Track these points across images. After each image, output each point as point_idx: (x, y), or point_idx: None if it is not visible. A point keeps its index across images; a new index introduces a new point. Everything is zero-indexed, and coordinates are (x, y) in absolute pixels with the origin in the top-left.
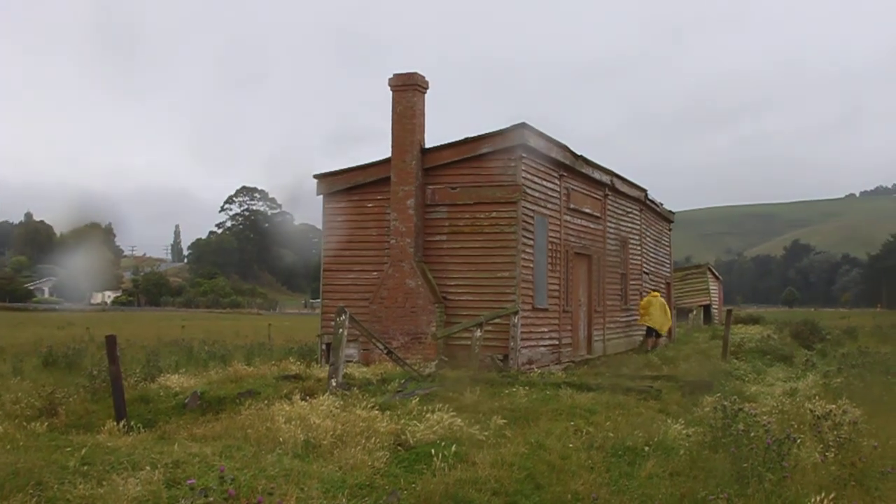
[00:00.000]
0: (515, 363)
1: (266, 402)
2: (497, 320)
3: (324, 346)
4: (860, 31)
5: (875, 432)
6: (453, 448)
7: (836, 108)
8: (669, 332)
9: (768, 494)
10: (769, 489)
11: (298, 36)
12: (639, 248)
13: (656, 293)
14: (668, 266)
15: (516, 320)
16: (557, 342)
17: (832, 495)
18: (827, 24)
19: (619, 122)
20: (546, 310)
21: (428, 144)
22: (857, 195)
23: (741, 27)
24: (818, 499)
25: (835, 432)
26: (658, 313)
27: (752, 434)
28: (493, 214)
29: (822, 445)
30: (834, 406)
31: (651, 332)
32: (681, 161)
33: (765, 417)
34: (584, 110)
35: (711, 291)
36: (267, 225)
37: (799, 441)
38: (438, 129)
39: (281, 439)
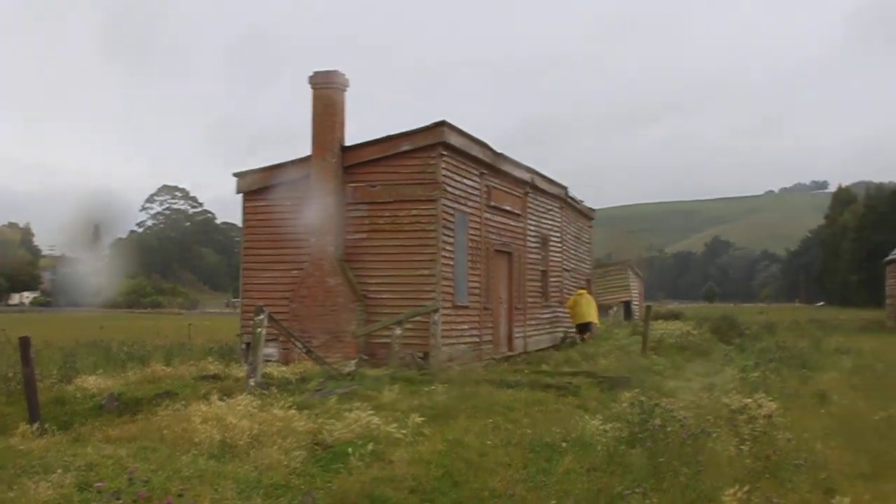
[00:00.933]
0: (436, 361)
1: (183, 402)
2: (417, 318)
3: (244, 346)
4: (785, 36)
5: (790, 425)
6: (370, 446)
7: (758, 108)
8: (588, 328)
9: (684, 488)
10: (685, 483)
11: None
12: (559, 245)
13: (582, 290)
14: (588, 263)
15: (437, 318)
16: (478, 339)
17: (746, 488)
18: (754, 28)
19: (543, 120)
20: (467, 307)
21: (350, 142)
22: (777, 192)
23: (671, 29)
24: (732, 491)
25: (750, 426)
26: (586, 308)
27: (669, 429)
28: (414, 212)
29: (737, 439)
30: (750, 400)
31: (583, 329)
32: (605, 159)
33: (682, 412)
34: (510, 109)
35: (632, 288)
36: (188, 224)
37: (715, 435)
38: (364, 127)
39: (197, 440)
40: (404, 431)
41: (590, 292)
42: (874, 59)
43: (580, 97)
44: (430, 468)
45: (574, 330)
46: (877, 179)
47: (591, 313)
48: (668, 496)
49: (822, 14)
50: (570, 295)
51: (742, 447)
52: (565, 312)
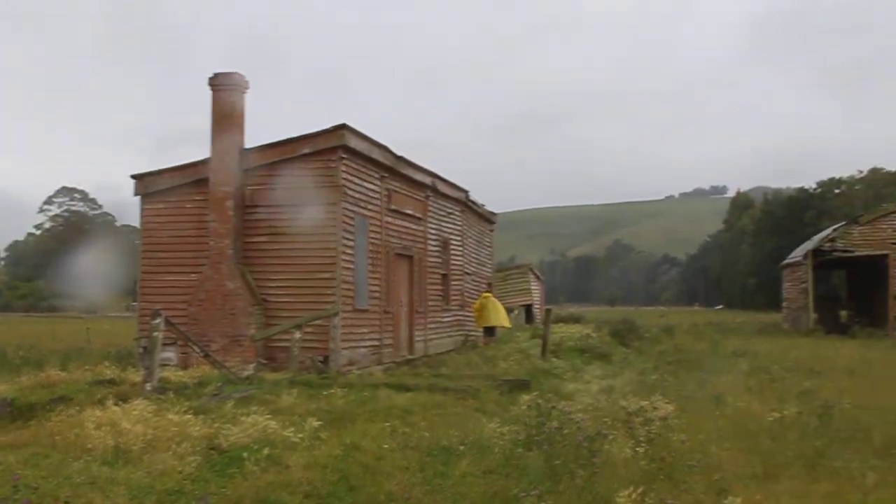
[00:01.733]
0: (336, 364)
1: (78, 408)
2: (317, 322)
3: (141, 350)
4: (688, 45)
5: (686, 427)
6: (266, 451)
7: (659, 115)
8: (493, 331)
9: (580, 490)
10: (580, 485)
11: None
12: (461, 248)
13: (487, 294)
14: (489, 266)
15: (336, 322)
16: (378, 343)
17: (640, 489)
18: (658, 37)
19: (450, 125)
20: (367, 311)
21: (250, 145)
22: (677, 197)
23: (576, 36)
24: (627, 493)
25: (646, 428)
26: (493, 312)
27: (566, 431)
28: (314, 215)
29: (633, 441)
30: (647, 403)
31: (489, 332)
32: (509, 164)
33: (579, 415)
34: (417, 114)
35: (533, 291)
36: (88, 226)
37: (611, 437)
38: (267, 129)
39: (90, 446)
40: (301, 436)
41: (489, 292)
42: (772, 69)
43: (484, 102)
44: (326, 472)
45: (478, 333)
46: (774, 185)
47: (497, 317)
48: (564, 498)
49: (723, 24)
50: (471, 298)
51: (638, 449)
52: (466, 315)
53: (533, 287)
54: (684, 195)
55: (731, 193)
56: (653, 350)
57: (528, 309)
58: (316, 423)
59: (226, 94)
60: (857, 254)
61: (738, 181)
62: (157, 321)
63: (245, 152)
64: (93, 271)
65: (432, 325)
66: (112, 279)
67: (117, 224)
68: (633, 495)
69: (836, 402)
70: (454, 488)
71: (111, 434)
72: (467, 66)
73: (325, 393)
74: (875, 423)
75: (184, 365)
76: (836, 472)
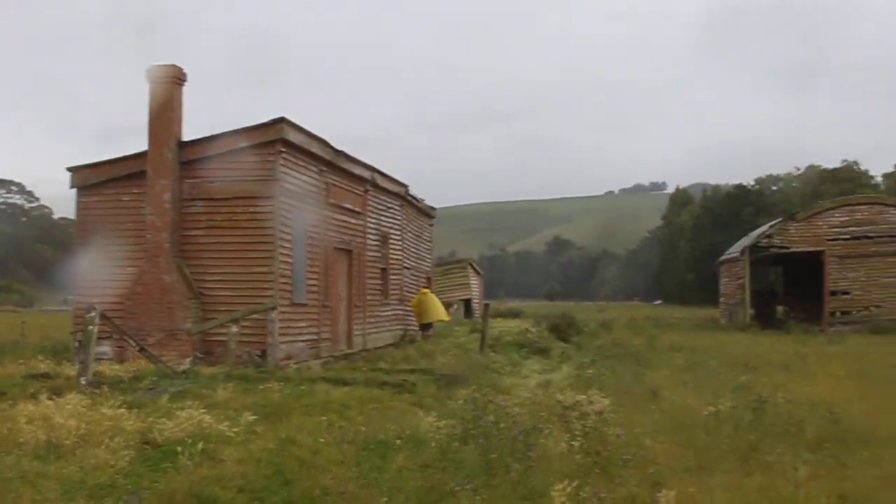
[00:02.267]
0: (273, 358)
1: (11, 402)
2: (255, 316)
3: (77, 344)
4: (630, 42)
5: (622, 421)
6: (200, 445)
7: (599, 112)
8: (430, 326)
9: (515, 484)
10: (515, 479)
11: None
12: (400, 243)
13: (426, 290)
14: (429, 261)
15: (274, 316)
16: (317, 337)
17: (575, 483)
18: (600, 34)
19: (391, 120)
20: (305, 305)
21: (189, 138)
22: (617, 192)
23: (517, 32)
24: (562, 487)
25: (582, 422)
26: (432, 308)
27: (502, 425)
28: (252, 209)
29: (569, 435)
30: (583, 397)
31: (426, 327)
32: (450, 159)
33: (516, 409)
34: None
35: (472, 286)
36: (24, 219)
37: (547, 431)
38: (207, 122)
39: (22, 440)
40: (236, 430)
41: (430, 290)
42: (714, 67)
43: (425, 98)
44: (260, 466)
45: (417, 327)
46: (713, 181)
47: (435, 312)
48: (500, 492)
49: (666, 23)
50: (411, 293)
51: (573, 443)
52: (405, 310)
53: (472, 282)
54: (624, 191)
55: (670, 189)
56: (591, 345)
57: (468, 303)
58: (251, 418)
59: (163, 87)
60: (793, 250)
61: (678, 177)
62: (92, 315)
63: (183, 145)
64: (29, 264)
65: (371, 320)
66: (48, 272)
67: (55, 217)
68: (568, 489)
69: (770, 397)
70: (390, 482)
71: (44, 428)
72: (408, 61)
73: (261, 387)
74: (808, 418)
75: (120, 359)
76: (769, 466)
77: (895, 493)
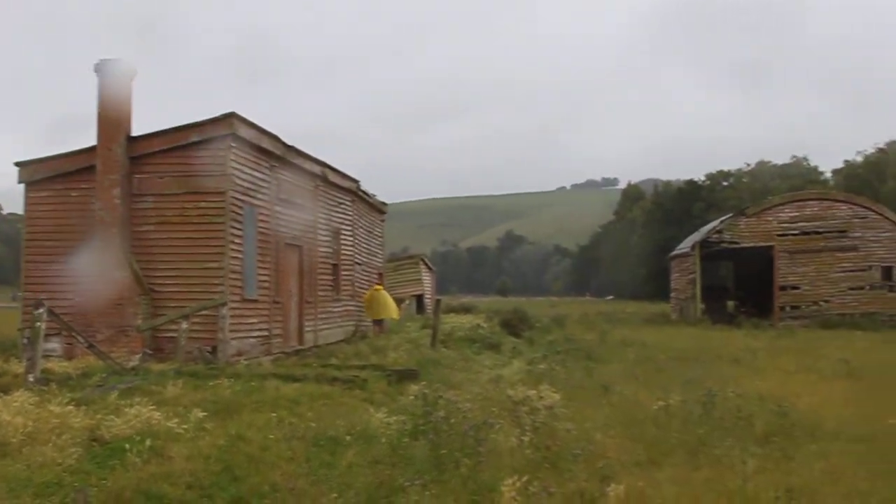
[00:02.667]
0: (224, 355)
1: None
2: (205, 312)
3: (25, 340)
4: (583, 40)
5: (572, 416)
6: (149, 442)
7: (554, 107)
8: (382, 321)
9: (464, 479)
10: (465, 474)
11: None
12: (351, 238)
13: (378, 286)
14: (380, 257)
15: (224, 312)
16: (268, 333)
17: (525, 478)
18: (555, 31)
19: (344, 115)
20: (256, 301)
21: (138, 132)
22: (568, 188)
23: (470, 30)
24: (511, 482)
25: (532, 417)
26: (383, 304)
27: (452, 421)
28: (202, 205)
29: (519, 430)
30: (534, 392)
31: (378, 323)
32: (401, 155)
33: (467, 404)
34: (311, 104)
35: (424, 281)
36: None
37: (497, 426)
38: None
39: None
40: (185, 427)
41: (381, 285)
42: (668, 64)
43: (377, 95)
44: (209, 463)
45: (368, 323)
46: (664, 177)
47: (385, 309)
48: (449, 487)
49: (619, 20)
50: (362, 289)
51: (523, 438)
52: (357, 306)
53: (424, 277)
54: (576, 186)
55: (622, 185)
56: (543, 340)
57: (420, 299)
58: (201, 414)
59: (112, 81)
60: (743, 245)
61: (630, 173)
62: (40, 311)
63: (132, 140)
64: None
65: (322, 316)
66: None
67: (3, 212)
68: (517, 484)
69: (719, 391)
70: (340, 478)
71: None
72: (363, 55)
73: (211, 383)
74: (757, 412)
75: (68, 356)
76: (718, 459)
77: (841, 486)
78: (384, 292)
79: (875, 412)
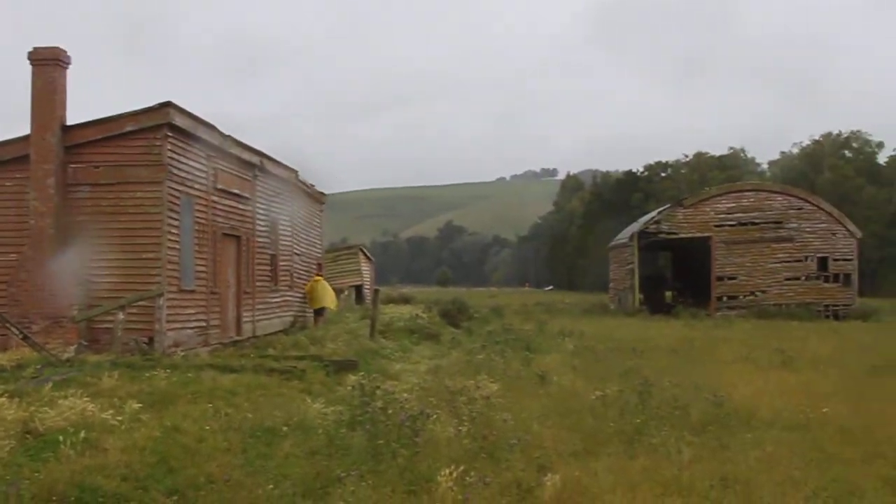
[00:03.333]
0: (161, 346)
1: None
2: (142, 302)
3: None
4: (520, 32)
5: (509, 406)
6: (83, 434)
7: (494, 99)
8: (323, 311)
9: (401, 469)
10: (402, 464)
11: None
12: (289, 229)
13: (319, 277)
14: (319, 247)
15: (161, 302)
16: (205, 324)
17: (461, 468)
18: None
19: (287, 106)
20: (193, 291)
21: (73, 121)
22: (508, 179)
23: (413, 22)
24: (448, 472)
25: (469, 407)
26: (322, 294)
27: (390, 411)
28: (138, 195)
29: (456, 420)
30: (471, 382)
31: (319, 313)
32: (340, 146)
33: (405, 395)
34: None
35: (363, 272)
36: None
37: (434, 417)
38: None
39: None
40: (121, 418)
41: (320, 275)
42: (609, 56)
43: (317, 84)
44: (144, 455)
45: (306, 314)
46: (603, 168)
47: (325, 299)
48: (386, 477)
49: (559, 13)
50: (300, 279)
51: (461, 428)
52: (295, 296)
53: (363, 268)
54: (515, 177)
55: (561, 176)
56: (482, 330)
57: (359, 290)
58: (136, 406)
59: (46, 70)
60: (681, 236)
61: (569, 164)
62: None
63: (67, 129)
64: None
65: (260, 306)
66: None
67: None
68: (454, 474)
69: (656, 381)
70: (276, 469)
71: None
72: (303, 45)
73: (147, 375)
74: (692, 401)
75: (2, 347)
76: (654, 449)
77: (775, 475)
78: (323, 282)
79: (809, 401)
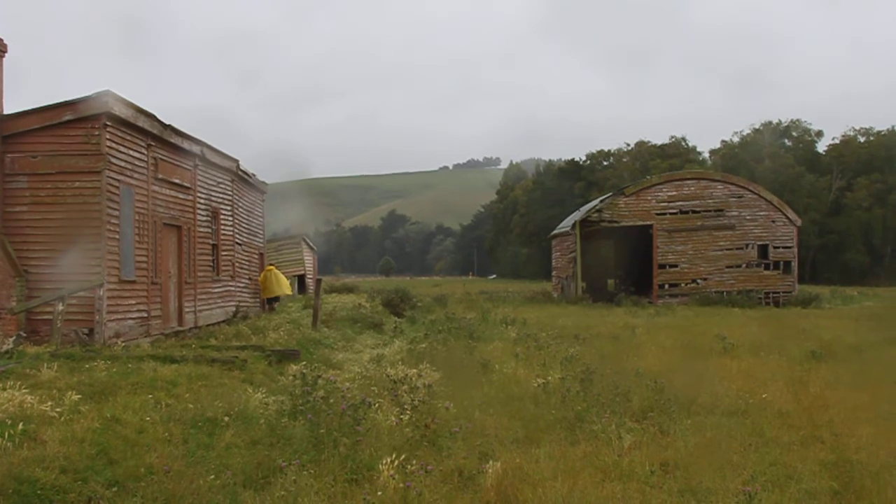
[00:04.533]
0: (101, 337)
1: None
2: (82, 293)
3: None
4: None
5: (452, 394)
6: (21, 426)
7: (436, 88)
8: (277, 299)
9: (343, 458)
10: (344, 453)
11: None
12: (231, 218)
13: (271, 267)
14: (261, 236)
15: (102, 293)
16: (146, 314)
17: (403, 456)
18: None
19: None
20: (134, 282)
21: (11, 110)
22: (451, 167)
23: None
24: (389, 460)
25: (411, 396)
26: (276, 282)
27: (332, 400)
28: (77, 184)
29: (398, 409)
30: (414, 371)
31: (271, 301)
32: (287, 134)
33: (346, 384)
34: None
35: (306, 261)
36: None
37: (376, 406)
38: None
39: None
40: (60, 410)
41: (261, 267)
42: (547, 47)
43: (260, 74)
44: (84, 447)
45: (248, 304)
46: (546, 157)
47: (279, 287)
48: (328, 466)
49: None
50: (243, 269)
51: (402, 417)
52: (238, 286)
53: (306, 257)
54: (458, 166)
55: (504, 165)
56: (425, 319)
57: (301, 279)
58: (76, 397)
59: None
60: (623, 224)
61: (512, 153)
62: None
63: (4, 119)
64: None
65: (202, 297)
66: None
67: None
68: (396, 462)
69: (598, 368)
70: (217, 459)
71: None
72: (247, 34)
73: (87, 366)
74: (634, 388)
75: None
76: (595, 435)
77: (713, 460)
78: (276, 271)
79: (749, 387)
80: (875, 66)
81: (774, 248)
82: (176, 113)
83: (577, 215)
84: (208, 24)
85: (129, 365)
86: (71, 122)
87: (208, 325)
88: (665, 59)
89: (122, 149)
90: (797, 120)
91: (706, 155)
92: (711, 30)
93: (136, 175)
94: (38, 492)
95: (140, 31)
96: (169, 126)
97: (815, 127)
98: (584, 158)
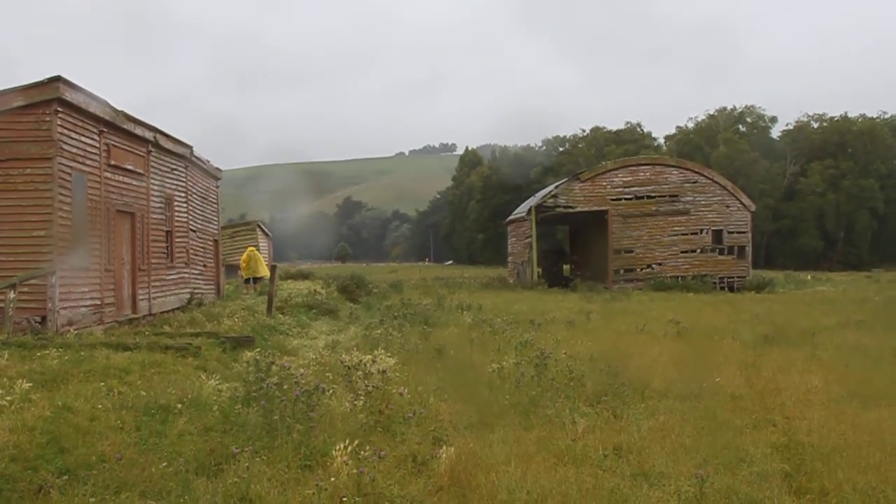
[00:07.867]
0: (54, 325)
1: None
2: (33, 281)
3: None
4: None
5: (406, 380)
6: None
7: (393, 74)
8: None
9: (297, 445)
10: (297, 440)
11: None
12: (185, 205)
13: (252, 248)
14: (216, 223)
15: (54, 281)
16: (100, 302)
17: (357, 442)
18: None
19: (183, 79)
20: (87, 269)
21: None
22: (407, 154)
23: None
24: (343, 446)
25: (365, 381)
26: (256, 264)
27: (285, 387)
28: (28, 171)
29: (352, 395)
30: (368, 357)
31: (250, 280)
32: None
33: (300, 370)
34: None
35: (261, 248)
36: None
37: (330, 392)
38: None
39: None
40: (10, 398)
41: (216, 254)
42: (504, 34)
43: (214, 59)
44: (34, 435)
45: (203, 291)
46: (502, 143)
47: (260, 268)
48: (281, 453)
49: None
50: (197, 256)
51: (357, 402)
52: (192, 273)
53: (261, 244)
54: (414, 152)
55: (460, 151)
56: (380, 305)
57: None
58: (27, 385)
59: None
60: (578, 209)
61: (468, 139)
62: None
63: None
64: None
65: (156, 284)
66: None
67: None
68: (349, 448)
69: (552, 353)
70: (170, 447)
71: None
72: (199, 19)
73: (39, 354)
74: (588, 372)
75: None
76: (549, 420)
77: (666, 443)
78: (256, 252)
79: (702, 371)
80: (840, 59)
81: (729, 233)
82: (124, 99)
83: (532, 201)
84: (157, 11)
85: (82, 353)
86: (22, 108)
87: (163, 313)
88: (623, 46)
89: (73, 135)
90: (752, 106)
91: (661, 141)
92: (669, 17)
93: (88, 161)
94: None
95: (92, 18)
96: (121, 112)
97: (769, 113)
98: (539, 144)
